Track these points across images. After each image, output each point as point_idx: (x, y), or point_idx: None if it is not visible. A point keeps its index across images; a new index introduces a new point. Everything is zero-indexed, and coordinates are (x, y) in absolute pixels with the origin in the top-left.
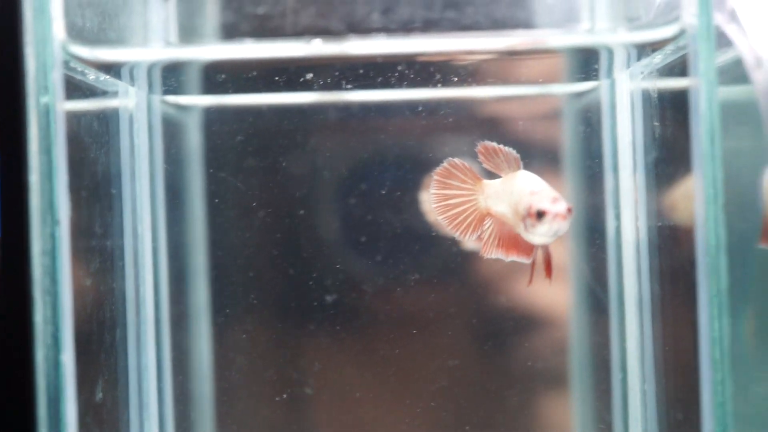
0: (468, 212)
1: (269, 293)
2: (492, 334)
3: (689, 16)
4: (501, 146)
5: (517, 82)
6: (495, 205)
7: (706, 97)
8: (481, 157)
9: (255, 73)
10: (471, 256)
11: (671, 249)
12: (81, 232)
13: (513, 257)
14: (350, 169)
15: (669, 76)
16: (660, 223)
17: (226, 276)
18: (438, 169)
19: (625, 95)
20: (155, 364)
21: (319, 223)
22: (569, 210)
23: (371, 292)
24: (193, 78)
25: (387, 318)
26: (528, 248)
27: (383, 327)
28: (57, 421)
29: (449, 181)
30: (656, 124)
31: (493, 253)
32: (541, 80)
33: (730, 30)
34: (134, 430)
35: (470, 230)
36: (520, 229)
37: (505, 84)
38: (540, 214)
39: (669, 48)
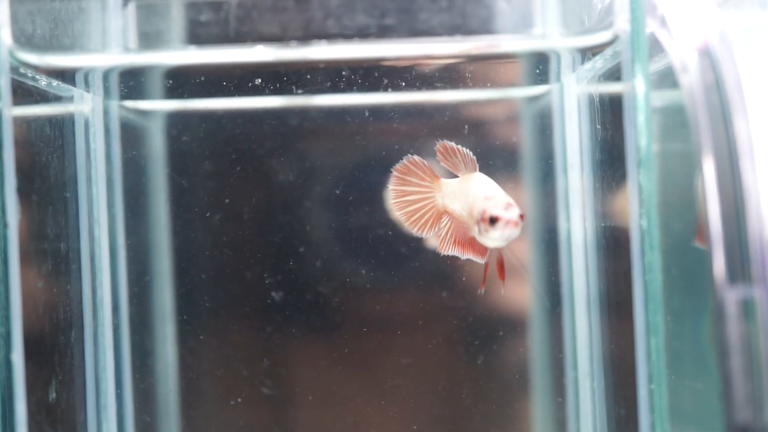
0: (426, 209)
1: (233, 295)
2: (450, 332)
3: (622, 21)
4: (459, 147)
5: (476, 86)
6: (451, 204)
7: (637, 100)
8: (439, 156)
9: (216, 79)
10: (430, 255)
11: (615, 249)
12: (32, 235)
13: (469, 255)
14: (313, 172)
15: (609, 80)
16: (605, 224)
17: (190, 279)
18: (397, 166)
19: (572, 99)
20: (113, 366)
21: (282, 225)
22: (521, 216)
23: (333, 292)
24: (155, 83)
25: (350, 318)
26: (483, 248)
27: (347, 327)
28: (7, 420)
29: (408, 178)
30: (598, 126)
31: (449, 251)
32: (498, 84)
33: (661, 35)
34: (91, 430)
35: (428, 227)
36: (475, 232)
37: (464, 88)
38: (493, 220)
39: (608, 53)
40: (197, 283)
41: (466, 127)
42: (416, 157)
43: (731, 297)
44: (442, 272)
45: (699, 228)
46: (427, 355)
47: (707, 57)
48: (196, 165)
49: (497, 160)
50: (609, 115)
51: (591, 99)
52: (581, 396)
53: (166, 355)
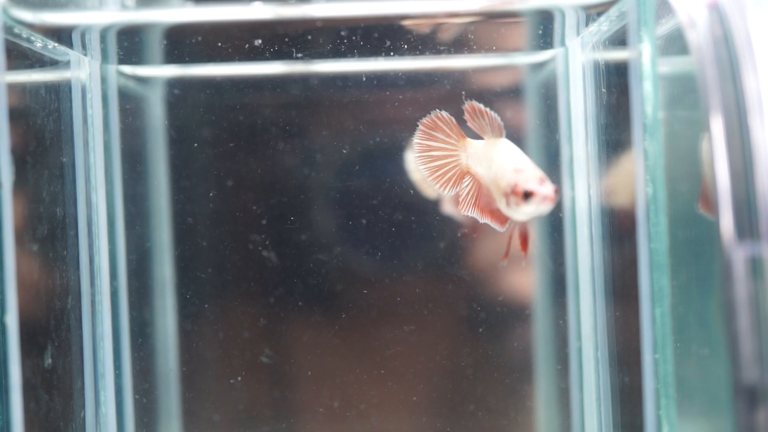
0: (449, 166)
1: (235, 267)
2: (453, 302)
3: None
4: (488, 109)
5: (480, 51)
6: (475, 166)
7: (642, 63)
8: (467, 116)
9: (214, 41)
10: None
11: (620, 216)
12: (27, 197)
13: (487, 220)
14: (313, 139)
15: (615, 45)
16: (609, 191)
17: (191, 248)
18: (424, 120)
19: (577, 64)
20: (111, 334)
21: (284, 194)
22: (556, 191)
23: (335, 262)
24: (153, 45)
25: (352, 289)
26: (504, 217)
27: (349, 298)
28: (2, 383)
29: (434, 133)
30: (603, 91)
31: (469, 212)
32: (503, 49)
33: None
34: (88, 398)
35: (450, 185)
36: (501, 204)
37: (468, 53)
38: (527, 195)
39: (613, 13)
40: (198, 252)
41: (464, 93)
42: (444, 113)
43: (739, 254)
44: (448, 244)
45: (702, 194)
46: (429, 324)
47: (716, 11)
48: (196, 133)
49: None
50: (614, 80)
51: (596, 65)
52: (585, 365)
53: (166, 324)
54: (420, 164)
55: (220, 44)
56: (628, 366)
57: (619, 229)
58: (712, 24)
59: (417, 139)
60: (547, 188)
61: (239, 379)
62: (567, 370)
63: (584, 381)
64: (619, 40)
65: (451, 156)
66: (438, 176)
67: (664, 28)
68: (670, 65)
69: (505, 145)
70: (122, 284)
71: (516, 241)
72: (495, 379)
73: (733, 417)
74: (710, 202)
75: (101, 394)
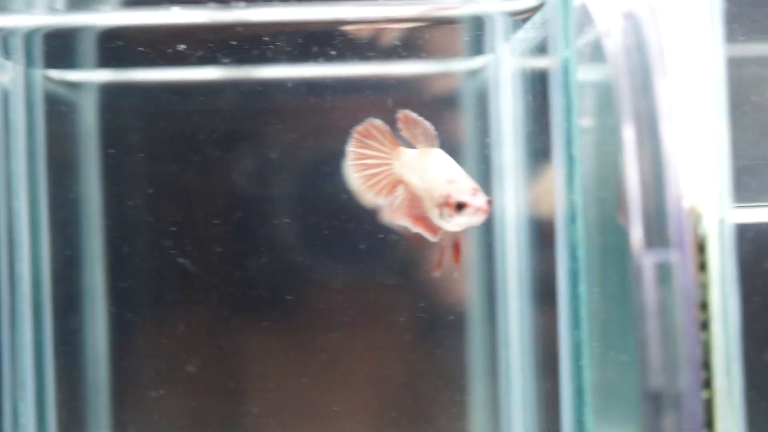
0: (382, 175)
1: (167, 275)
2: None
3: None
4: (421, 119)
5: (412, 57)
6: (408, 175)
7: (562, 64)
8: (400, 125)
9: (143, 46)
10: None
11: (545, 223)
12: None
13: (419, 230)
14: (246, 146)
15: (541, 51)
16: (535, 198)
17: (124, 257)
18: (358, 128)
19: (506, 71)
20: (32, 344)
21: (218, 201)
22: (489, 203)
23: (272, 268)
24: (84, 51)
25: (284, 302)
26: (435, 227)
27: (287, 304)
28: None
29: (368, 141)
30: (530, 98)
31: (401, 221)
32: (439, 55)
33: (591, 4)
34: (6, 408)
35: (383, 193)
36: (433, 214)
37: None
38: (460, 206)
39: (538, 20)
40: (130, 260)
41: (391, 101)
42: (378, 122)
43: (648, 261)
44: (384, 251)
45: (621, 204)
46: (359, 332)
47: (631, 20)
48: (128, 140)
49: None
50: (539, 87)
51: (524, 72)
52: (512, 371)
53: (96, 334)
54: (354, 172)
55: (144, 49)
56: (550, 373)
57: (544, 237)
58: (627, 33)
59: (351, 147)
60: (479, 200)
61: (171, 389)
62: (497, 376)
63: (511, 388)
64: (544, 47)
65: (384, 164)
66: (371, 184)
67: (591, 36)
68: (600, 73)
69: (438, 155)
70: (46, 293)
71: (449, 252)
72: (427, 386)
73: (640, 422)
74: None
75: (20, 405)
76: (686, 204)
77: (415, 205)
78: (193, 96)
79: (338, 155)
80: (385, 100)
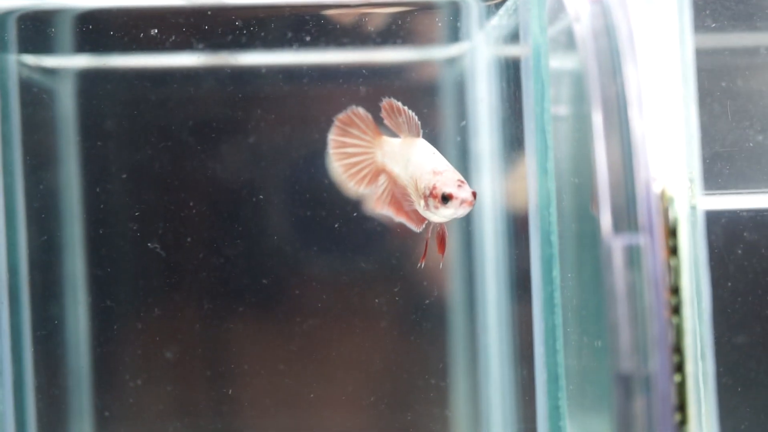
0: (364, 164)
1: (148, 263)
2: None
3: None
4: (405, 108)
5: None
6: (391, 164)
7: (534, 51)
8: (384, 113)
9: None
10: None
11: (520, 211)
12: None
13: (402, 219)
14: (226, 134)
15: (515, 38)
16: (510, 186)
17: (103, 245)
18: (340, 116)
19: (482, 58)
20: (9, 331)
21: (199, 189)
22: (474, 195)
23: (252, 256)
24: (60, 35)
25: (260, 290)
26: (419, 217)
27: (270, 293)
28: None
29: (349, 129)
30: (504, 85)
31: (384, 210)
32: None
33: None
34: None
35: (365, 182)
36: (418, 205)
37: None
38: (445, 198)
39: (511, 5)
40: (110, 247)
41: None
42: (360, 110)
43: (617, 244)
44: (366, 241)
45: (593, 195)
46: (337, 319)
47: (599, 4)
48: (107, 127)
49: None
50: (513, 74)
51: (499, 59)
52: (491, 359)
53: (77, 321)
54: (335, 160)
55: (121, 34)
56: (527, 359)
57: (521, 224)
58: (595, 17)
59: (332, 135)
60: (465, 192)
61: (152, 376)
62: (476, 363)
63: (490, 374)
64: (518, 34)
65: (366, 153)
66: (353, 173)
67: (564, 23)
68: (574, 61)
69: (423, 145)
70: (23, 280)
71: (433, 243)
72: (406, 373)
73: (611, 406)
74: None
75: None
76: (656, 188)
77: (397, 195)
78: (172, 83)
79: (314, 143)
80: (362, 88)
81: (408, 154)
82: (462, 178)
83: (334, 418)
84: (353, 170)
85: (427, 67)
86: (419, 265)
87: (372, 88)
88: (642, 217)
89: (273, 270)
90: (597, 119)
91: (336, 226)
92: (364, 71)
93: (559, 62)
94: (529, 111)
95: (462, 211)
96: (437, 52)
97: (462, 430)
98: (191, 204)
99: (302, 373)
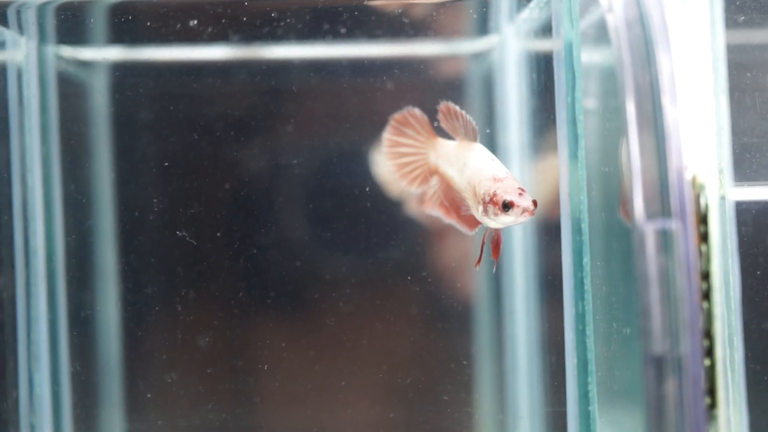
0: (417, 164)
1: (181, 253)
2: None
3: None
4: (463, 112)
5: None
6: (444, 166)
7: (566, 43)
8: (441, 116)
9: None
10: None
11: (547, 200)
12: None
13: (452, 221)
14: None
15: (547, 31)
16: (539, 177)
17: (135, 236)
18: (396, 115)
19: (512, 51)
20: (47, 316)
21: (232, 184)
22: (535, 204)
23: (286, 249)
24: (96, 26)
25: (306, 278)
26: (472, 221)
27: (302, 285)
28: None
29: (404, 129)
30: (534, 77)
31: (433, 211)
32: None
33: None
34: (22, 378)
35: (416, 183)
36: (475, 210)
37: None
38: (506, 206)
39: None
40: (141, 239)
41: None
42: (417, 111)
43: (649, 229)
44: (405, 242)
45: (622, 201)
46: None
47: None
48: (140, 120)
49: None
50: (545, 67)
51: (529, 52)
52: (518, 345)
53: (107, 309)
54: (388, 159)
55: (155, 26)
56: (555, 346)
57: (549, 213)
58: (628, 7)
59: (387, 134)
60: (526, 200)
61: (182, 364)
62: (503, 351)
63: (517, 362)
64: (549, 27)
65: (419, 153)
66: (405, 173)
67: (595, 16)
68: (603, 55)
69: (481, 150)
70: (60, 267)
71: (488, 247)
72: (433, 360)
73: (642, 387)
74: (627, 206)
75: (35, 376)
76: (688, 176)
77: (449, 197)
78: (205, 76)
79: (345, 135)
80: (392, 81)
81: (464, 158)
82: (522, 186)
83: (365, 403)
84: (405, 170)
85: (455, 61)
86: (475, 267)
87: (401, 81)
88: (674, 202)
89: (305, 259)
90: (630, 107)
91: (368, 223)
92: (394, 65)
93: (588, 56)
94: (560, 101)
95: (522, 219)
96: (466, 46)
97: (489, 413)
98: (223, 195)
99: (333, 362)
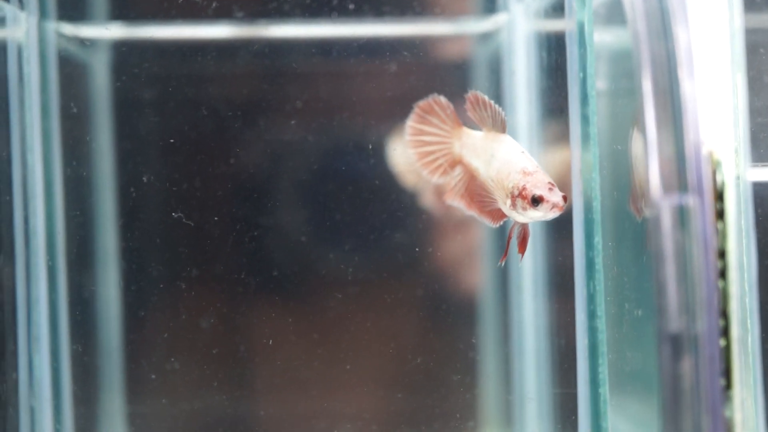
0: (440, 153)
1: (182, 236)
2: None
3: None
4: (491, 102)
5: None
6: (469, 157)
7: (578, 22)
8: (468, 105)
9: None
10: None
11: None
12: None
13: (474, 213)
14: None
15: (557, 9)
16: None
17: (136, 218)
18: (420, 103)
19: (521, 29)
20: (47, 298)
21: (234, 166)
22: (565, 199)
23: (284, 234)
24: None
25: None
26: (497, 214)
27: (302, 270)
28: None
29: (428, 117)
30: (544, 55)
31: (455, 201)
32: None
33: None
34: (22, 360)
35: (439, 172)
36: (503, 204)
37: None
38: (536, 201)
39: None
40: (142, 221)
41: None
42: (442, 98)
43: (666, 204)
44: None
45: (632, 195)
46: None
47: None
48: (141, 100)
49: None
50: (555, 46)
51: (539, 29)
52: (525, 326)
53: (108, 291)
54: (411, 147)
55: (158, 1)
56: (564, 328)
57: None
58: None
59: (410, 122)
60: (556, 196)
61: (183, 348)
62: (509, 334)
63: (524, 344)
64: (559, 5)
65: (443, 143)
66: (427, 162)
67: None
68: (613, 35)
69: (510, 142)
70: (60, 247)
71: (514, 241)
72: (438, 344)
73: (657, 365)
74: (637, 201)
75: (35, 358)
76: (705, 151)
77: (472, 188)
78: (207, 56)
79: (349, 117)
80: (399, 61)
81: (492, 149)
82: (552, 181)
83: (370, 385)
84: (429, 158)
85: (462, 40)
86: (499, 263)
87: (408, 60)
88: (691, 177)
89: (307, 243)
90: (646, 79)
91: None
92: (401, 44)
93: (599, 37)
94: (573, 78)
95: (551, 215)
96: (474, 25)
97: (494, 392)
98: (226, 175)
99: (337, 347)
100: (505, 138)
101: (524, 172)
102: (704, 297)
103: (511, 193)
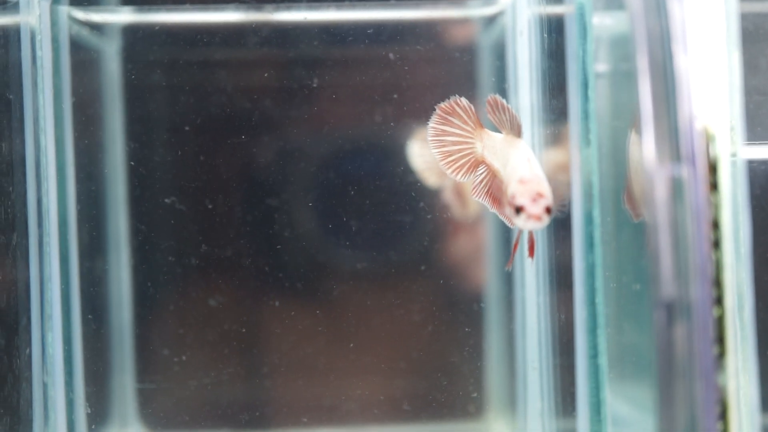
0: (463, 153)
1: (194, 217)
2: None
3: None
4: (510, 106)
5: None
6: (491, 158)
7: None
8: (488, 107)
9: None
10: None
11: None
12: None
13: (497, 211)
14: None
15: None
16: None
17: (147, 202)
18: (442, 104)
19: (524, 13)
20: (59, 275)
21: (243, 151)
22: (547, 210)
23: (294, 222)
24: None
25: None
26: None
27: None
28: None
29: (450, 119)
30: (545, 36)
31: (480, 198)
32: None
33: None
34: (35, 337)
35: (462, 171)
36: (506, 208)
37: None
38: (518, 210)
39: None
40: (153, 205)
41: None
42: (463, 100)
43: (660, 175)
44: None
45: (627, 191)
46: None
47: None
48: (152, 85)
49: (455, 89)
50: (556, 29)
51: (541, 15)
52: (528, 309)
53: (120, 273)
54: (434, 148)
55: None
56: (565, 304)
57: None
58: None
59: (432, 124)
60: (536, 207)
61: (195, 327)
62: (512, 310)
63: (527, 321)
64: None
65: (466, 143)
66: (451, 162)
67: None
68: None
69: (522, 149)
70: (72, 227)
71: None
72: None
73: (652, 332)
74: (633, 198)
75: (48, 335)
76: (698, 125)
77: (495, 186)
78: (215, 42)
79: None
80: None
81: (508, 154)
82: (543, 191)
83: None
84: (452, 158)
85: (466, 24)
86: (506, 267)
87: (413, 46)
88: (684, 148)
89: (317, 232)
90: (642, 54)
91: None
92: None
93: (598, 20)
94: (571, 55)
95: (530, 225)
96: (482, 11)
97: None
98: (236, 159)
99: (344, 331)
100: (520, 144)
101: (521, 181)
102: (697, 265)
103: (508, 198)
